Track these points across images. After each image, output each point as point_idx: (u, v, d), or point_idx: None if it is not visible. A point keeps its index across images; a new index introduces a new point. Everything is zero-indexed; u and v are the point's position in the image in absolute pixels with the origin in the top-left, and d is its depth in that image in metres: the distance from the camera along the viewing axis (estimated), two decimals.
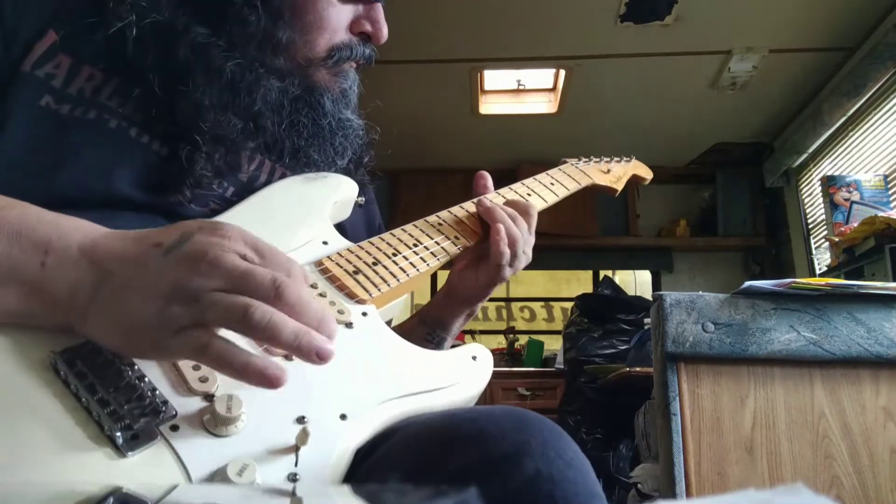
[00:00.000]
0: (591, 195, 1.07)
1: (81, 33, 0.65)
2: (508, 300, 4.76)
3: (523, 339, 4.24)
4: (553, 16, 2.87)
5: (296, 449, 0.48)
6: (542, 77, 3.61)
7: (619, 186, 1.05)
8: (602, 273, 4.31)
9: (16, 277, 0.47)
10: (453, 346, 0.80)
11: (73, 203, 0.59)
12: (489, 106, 3.71)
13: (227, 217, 0.67)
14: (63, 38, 0.65)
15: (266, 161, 0.75)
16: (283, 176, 0.76)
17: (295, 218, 0.71)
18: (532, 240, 0.80)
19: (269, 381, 0.45)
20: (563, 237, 4.04)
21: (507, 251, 0.76)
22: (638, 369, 2.33)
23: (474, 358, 0.66)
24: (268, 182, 0.74)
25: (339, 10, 0.74)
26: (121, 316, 0.46)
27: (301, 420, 0.51)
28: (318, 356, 0.46)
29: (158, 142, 0.67)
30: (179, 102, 0.66)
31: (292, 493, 0.41)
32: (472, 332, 4.33)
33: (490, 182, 0.86)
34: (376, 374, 0.58)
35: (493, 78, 3.60)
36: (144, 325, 0.46)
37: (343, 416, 0.53)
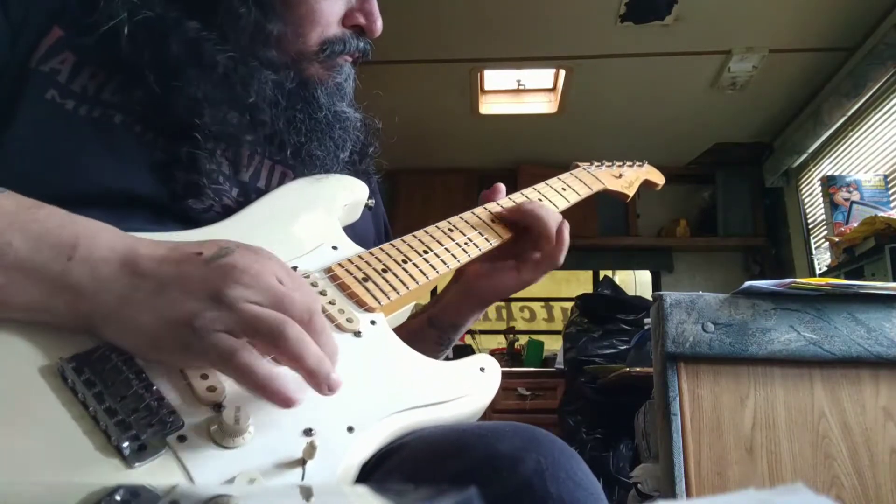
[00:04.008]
0: (598, 194, 1.07)
1: (86, 30, 0.65)
2: (508, 300, 4.76)
3: (523, 339, 4.24)
4: (553, 16, 2.87)
5: (302, 462, 0.48)
6: (542, 77, 3.61)
7: (631, 192, 1.04)
8: (602, 273, 4.31)
9: (41, 272, 0.48)
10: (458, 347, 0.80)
11: (85, 198, 0.59)
12: (489, 106, 3.71)
13: (237, 220, 0.67)
14: (67, 34, 0.66)
15: (265, 160, 0.74)
16: (283, 175, 0.75)
17: (305, 222, 0.70)
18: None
19: (286, 400, 0.46)
20: None
21: (561, 235, 0.77)
22: (638, 369, 2.33)
23: (482, 369, 0.65)
24: (269, 182, 0.74)
25: (332, 3, 0.73)
26: (153, 315, 0.47)
27: (308, 432, 0.50)
28: (328, 387, 0.48)
29: (163, 139, 0.67)
30: (175, 99, 0.65)
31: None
32: (472, 332, 4.33)
33: (503, 193, 0.86)
34: (384, 386, 0.58)
35: (493, 78, 3.60)
36: (177, 325, 0.46)
37: (350, 429, 0.52)
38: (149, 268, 0.49)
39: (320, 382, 0.48)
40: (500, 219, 0.82)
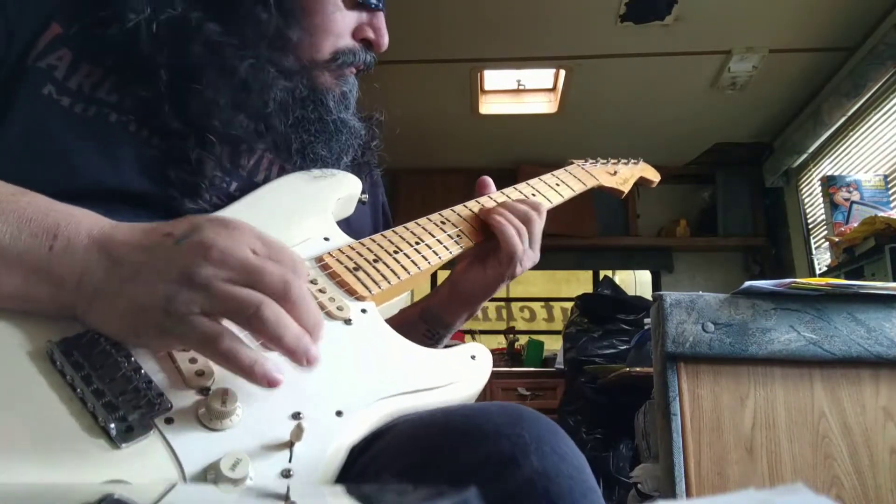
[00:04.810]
0: (592, 195, 1.09)
1: (85, 28, 0.65)
2: (508, 300, 4.76)
3: (523, 339, 4.23)
4: (553, 16, 2.87)
5: (290, 445, 0.48)
6: (542, 77, 3.61)
7: (626, 189, 1.04)
8: (602, 273, 4.30)
9: (23, 260, 0.48)
10: (449, 346, 0.80)
11: (77, 194, 0.59)
12: (489, 106, 3.71)
13: (229, 212, 0.67)
14: (66, 31, 0.65)
15: (265, 155, 0.75)
16: (282, 171, 0.75)
17: (297, 213, 0.71)
18: (538, 236, 0.81)
19: (271, 382, 0.46)
20: (563, 237, 4.03)
21: (516, 241, 0.77)
22: (638, 369, 2.33)
23: (473, 357, 0.66)
24: (267, 177, 0.74)
25: (345, 16, 0.75)
26: (129, 301, 0.47)
27: (296, 416, 0.50)
28: (307, 360, 0.48)
29: (159, 138, 0.67)
30: (191, 101, 0.66)
31: (286, 497, 0.41)
32: (471, 332, 4.33)
33: (492, 187, 0.87)
34: (373, 371, 0.58)
35: (493, 78, 3.60)
36: (152, 310, 0.46)
37: (339, 413, 0.52)
38: (123, 253, 0.49)
39: (299, 357, 0.47)
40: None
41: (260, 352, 0.48)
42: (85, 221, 0.50)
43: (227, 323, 0.48)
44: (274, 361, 0.48)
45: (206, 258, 0.46)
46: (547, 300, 4.83)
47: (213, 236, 0.47)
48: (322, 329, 0.49)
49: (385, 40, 0.79)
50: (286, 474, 0.47)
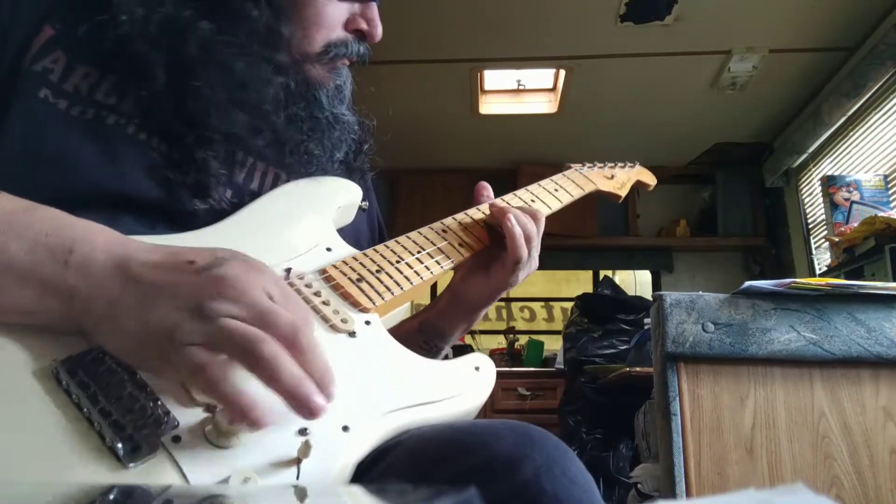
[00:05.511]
0: (592, 195, 1.10)
1: (78, 30, 0.65)
2: (508, 300, 4.75)
3: (523, 339, 4.23)
4: (553, 16, 2.87)
5: (297, 461, 0.48)
6: (542, 77, 3.61)
7: (623, 193, 1.04)
8: (602, 273, 4.30)
9: (37, 276, 0.47)
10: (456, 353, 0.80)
11: (77, 198, 0.59)
12: (489, 106, 3.71)
13: (230, 223, 0.67)
14: (60, 33, 0.65)
15: (258, 162, 0.74)
16: (276, 178, 0.75)
17: (298, 224, 0.70)
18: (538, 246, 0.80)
19: (252, 420, 0.44)
20: (563, 237, 4.03)
21: (525, 246, 0.76)
22: (638, 369, 2.33)
23: (477, 369, 0.66)
24: (262, 184, 0.74)
25: (337, 7, 0.74)
26: (139, 322, 0.46)
27: (303, 432, 0.50)
28: (308, 410, 0.45)
29: (157, 139, 0.66)
30: (188, 100, 0.65)
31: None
32: (472, 332, 4.33)
33: (490, 192, 0.86)
34: (379, 385, 0.58)
35: (493, 78, 3.60)
36: (160, 335, 0.46)
37: (345, 428, 0.52)
38: (140, 273, 0.48)
39: (300, 405, 0.44)
40: (485, 222, 0.82)
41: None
42: (101, 237, 0.50)
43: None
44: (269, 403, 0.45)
45: (221, 293, 0.46)
46: (547, 300, 4.83)
47: (233, 273, 0.47)
48: (333, 385, 0.47)
49: (378, 31, 0.77)
50: None
